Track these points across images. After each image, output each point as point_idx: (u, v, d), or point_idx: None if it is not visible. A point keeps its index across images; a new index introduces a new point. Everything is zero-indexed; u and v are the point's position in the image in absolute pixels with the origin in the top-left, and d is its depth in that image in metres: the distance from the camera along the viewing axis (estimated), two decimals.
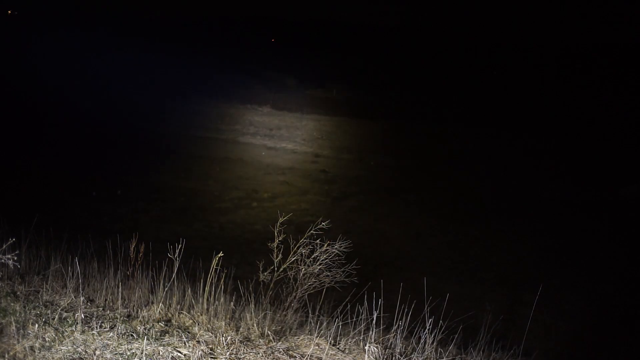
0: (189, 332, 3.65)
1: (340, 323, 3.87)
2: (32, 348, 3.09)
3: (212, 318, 3.98)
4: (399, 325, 3.79)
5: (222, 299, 4.17)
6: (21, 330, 3.25)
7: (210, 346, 3.40)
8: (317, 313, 4.52)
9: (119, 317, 3.77)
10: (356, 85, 29.83)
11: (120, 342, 3.31)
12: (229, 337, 3.51)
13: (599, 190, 15.20)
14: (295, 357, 3.43)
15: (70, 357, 3.08)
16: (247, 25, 47.62)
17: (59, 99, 23.09)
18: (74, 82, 25.93)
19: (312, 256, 4.29)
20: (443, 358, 3.78)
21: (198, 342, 3.42)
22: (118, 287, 4.18)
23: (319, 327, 3.99)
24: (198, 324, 3.84)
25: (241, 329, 3.88)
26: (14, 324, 3.26)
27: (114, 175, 14.24)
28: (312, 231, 4.33)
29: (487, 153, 18.93)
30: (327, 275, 4.31)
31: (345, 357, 3.58)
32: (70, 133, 18.85)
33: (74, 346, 3.20)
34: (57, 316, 3.54)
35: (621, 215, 13.46)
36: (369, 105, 26.28)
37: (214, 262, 4.07)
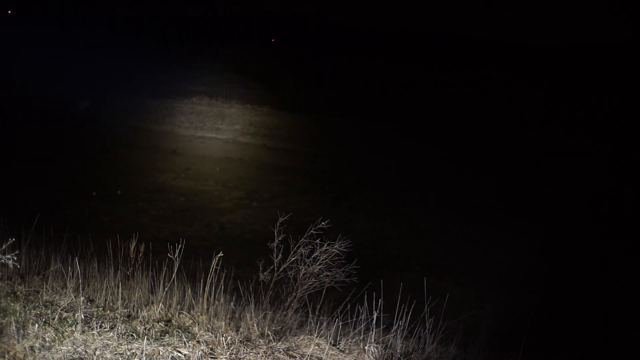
0: (189, 332, 3.65)
1: (340, 323, 3.87)
2: (32, 348, 3.09)
3: (212, 318, 3.98)
4: (399, 325, 3.79)
5: (222, 299, 4.17)
6: (21, 330, 3.25)
7: (210, 346, 3.40)
8: (317, 313, 4.52)
9: (119, 317, 3.76)
10: (356, 86, 29.78)
11: (120, 342, 3.31)
12: (229, 337, 3.51)
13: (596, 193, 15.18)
14: (295, 357, 3.43)
15: (70, 357, 3.08)
16: (246, 24, 47.52)
17: (59, 98, 23.11)
18: (74, 81, 25.93)
19: (312, 256, 4.29)
20: (443, 358, 3.78)
21: (198, 342, 3.42)
22: (118, 287, 4.17)
23: (319, 327, 3.98)
24: (198, 324, 3.84)
25: (241, 329, 3.88)
26: (14, 324, 3.26)
27: (114, 175, 14.24)
28: (312, 231, 4.33)
29: (486, 154, 18.92)
30: (327, 275, 4.30)
31: (345, 357, 3.58)
32: (69, 133, 18.87)
33: (74, 346, 3.20)
34: (57, 316, 3.54)
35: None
36: (368, 106, 26.23)
37: (214, 262, 4.07)
